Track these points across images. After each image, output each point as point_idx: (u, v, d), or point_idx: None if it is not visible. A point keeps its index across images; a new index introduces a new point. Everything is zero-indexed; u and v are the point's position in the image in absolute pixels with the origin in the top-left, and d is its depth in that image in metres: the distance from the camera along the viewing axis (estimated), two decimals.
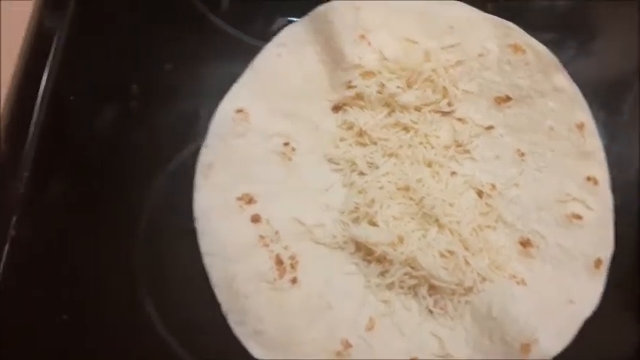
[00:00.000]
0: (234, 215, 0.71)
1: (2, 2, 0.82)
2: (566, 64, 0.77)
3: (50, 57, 0.81)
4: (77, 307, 0.70)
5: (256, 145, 0.74)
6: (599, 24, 0.88)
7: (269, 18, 0.85)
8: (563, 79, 0.76)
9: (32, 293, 0.71)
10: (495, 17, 0.78)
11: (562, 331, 0.67)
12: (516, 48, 0.76)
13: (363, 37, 0.77)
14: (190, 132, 0.78)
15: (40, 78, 0.80)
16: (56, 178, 0.76)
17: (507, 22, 0.78)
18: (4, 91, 0.78)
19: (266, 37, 0.82)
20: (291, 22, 0.83)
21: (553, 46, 0.78)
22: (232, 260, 0.69)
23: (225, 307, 0.67)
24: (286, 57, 0.78)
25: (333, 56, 0.78)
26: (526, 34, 0.77)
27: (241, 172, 0.73)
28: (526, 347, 0.65)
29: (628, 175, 0.78)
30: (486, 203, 0.75)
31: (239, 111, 0.75)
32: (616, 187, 0.75)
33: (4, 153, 0.76)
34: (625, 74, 0.84)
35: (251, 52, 0.81)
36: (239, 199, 0.72)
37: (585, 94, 0.77)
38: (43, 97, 0.79)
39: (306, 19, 0.79)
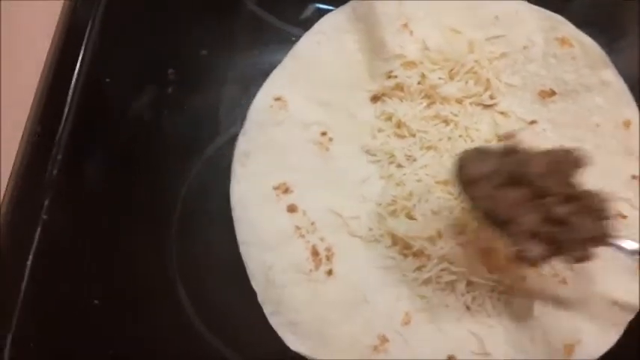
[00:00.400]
0: (270, 204, 0.70)
1: None
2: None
3: (85, 39, 0.80)
4: (108, 293, 0.70)
5: (294, 133, 0.73)
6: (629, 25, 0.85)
7: (302, 5, 0.84)
8: (610, 75, 0.74)
9: (63, 278, 0.70)
10: (543, 9, 0.76)
11: (606, 333, 0.66)
12: (564, 41, 0.74)
13: (405, 26, 0.75)
14: (226, 118, 0.77)
15: (76, 60, 0.79)
16: (90, 162, 0.75)
17: (556, 14, 0.76)
18: (39, 72, 0.78)
19: (300, 24, 0.81)
20: (320, 9, 0.82)
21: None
22: (269, 250, 0.68)
23: (261, 296, 0.66)
24: (326, 45, 0.77)
25: (373, 45, 0.76)
26: (574, 27, 0.75)
27: (278, 161, 0.72)
28: (569, 348, 0.64)
29: None
30: None
31: (278, 99, 0.73)
32: None
33: (38, 135, 0.75)
34: None
35: (286, 40, 0.80)
36: (276, 188, 0.71)
37: (632, 90, 0.75)
38: (77, 79, 0.78)
39: (346, 7, 0.78)
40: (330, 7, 0.81)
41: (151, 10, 0.83)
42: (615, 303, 0.67)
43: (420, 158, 0.74)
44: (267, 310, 0.66)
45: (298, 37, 0.79)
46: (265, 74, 0.77)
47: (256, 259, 0.67)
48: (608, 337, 0.65)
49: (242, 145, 0.72)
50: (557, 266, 0.70)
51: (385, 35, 0.75)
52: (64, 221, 0.72)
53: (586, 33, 0.76)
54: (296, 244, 0.69)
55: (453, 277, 0.69)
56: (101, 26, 0.81)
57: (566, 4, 0.83)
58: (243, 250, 0.68)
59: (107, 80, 0.79)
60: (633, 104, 0.74)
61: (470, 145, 0.74)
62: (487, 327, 0.68)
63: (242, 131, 0.72)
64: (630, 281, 0.68)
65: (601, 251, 0.69)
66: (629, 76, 0.76)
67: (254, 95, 0.75)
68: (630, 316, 0.67)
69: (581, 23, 0.77)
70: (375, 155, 0.75)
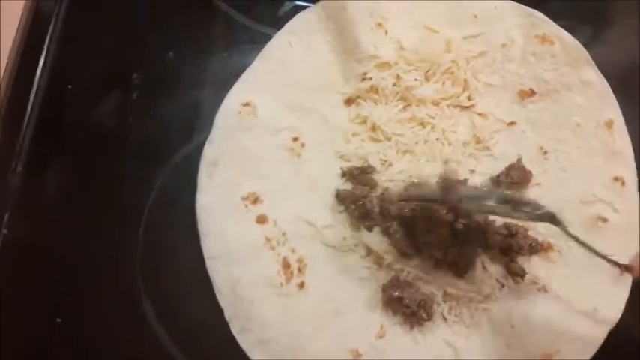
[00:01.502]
0: (238, 216, 0.67)
1: None
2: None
3: (46, 44, 0.77)
4: (72, 310, 0.67)
5: (264, 140, 0.70)
6: (612, 16, 0.82)
7: (276, 3, 0.80)
8: (592, 73, 0.71)
9: (25, 295, 0.68)
10: (522, 6, 0.73)
11: (586, 341, 0.64)
12: (544, 39, 0.71)
13: (380, 25, 0.73)
14: (195, 124, 0.74)
15: (36, 66, 0.76)
16: (51, 173, 0.73)
17: (535, 11, 0.73)
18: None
19: (274, 23, 0.77)
20: (298, 6, 0.78)
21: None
22: (236, 263, 0.65)
23: (228, 313, 0.64)
24: (297, 46, 0.74)
25: (347, 46, 0.73)
26: (554, 24, 0.72)
27: (247, 169, 0.69)
28: (547, 357, 0.62)
29: None
30: None
31: (246, 104, 0.70)
32: None
33: None
34: None
35: (258, 40, 0.77)
36: (244, 198, 0.68)
37: (614, 88, 0.72)
38: (39, 86, 0.75)
39: (318, 5, 0.75)
40: (308, 4, 0.77)
41: (115, 12, 0.79)
42: (595, 309, 0.65)
43: (396, 163, 0.71)
44: (234, 327, 0.63)
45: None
46: (236, 77, 0.73)
47: (223, 274, 0.65)
48: (588, 346, 0.64)
49: (208, 153, 0.69)
50: (537, 273, 0.68)
51: (359, 35, 0.72)
52: (25, 236, 0.69)
53: (568, 24, 0.74)
54: (266, 257, 0.66)
55: (429, 287, 0.67)
56: (62, 31, 0.77)
57: None
58: (209, 264, 0.65)
59: (69, 87, 0.75)
60: (615, 103, 0.72)
61: (447, 149, 0.72)
62: (463, 337, 0.66)
63: (208, 139, 0.69)
64: (611, 289, 0.66)
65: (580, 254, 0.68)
66: (612, 67, 0.74)
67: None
68: (611, 323, 0.65)
69: (563, 14, 0.75)
70: (349, 161, 0.72)
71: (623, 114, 0.72)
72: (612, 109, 0.71)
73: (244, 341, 0.63)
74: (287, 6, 0.80)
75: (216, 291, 0.65)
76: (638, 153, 0.72)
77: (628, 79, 0.76)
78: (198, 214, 0.67)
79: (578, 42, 0.71)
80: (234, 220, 0.67)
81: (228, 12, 0.80)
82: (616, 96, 0.72)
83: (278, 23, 0.76)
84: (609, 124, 0.70)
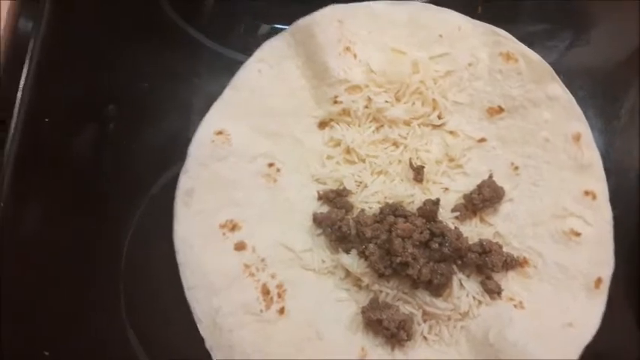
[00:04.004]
0: (217, 244, 0.68)
1: None
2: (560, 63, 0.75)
3: (23, 78, 0.77)
4: (59, 344, 0.68)
5: (239, 168, 0.71)
6: (593, 16, 0.83)
7: (251, 29, 0.81)
8: (557, 88, 0.72)
9: (13, 331, 0.68)
10: (486, 24, 0.74)
11: (562, 357, 0.64)
12: (508, 57, 0.73)
13: (348, 49, 0.74)
14: (173, 153, 0.74)
15: (14, 101, 0.76)
16: (32, 208, 0.73)
17: (498, 29, 0.74)
18: None
19: (248, 50, 0.78)
20: (275, 29, 0.79)
21: (547, 36, 0.78)
22: (215, 293, 0.66)
23: (209, 342, 0.65)
24: (267, 73, 0.75)
25: (317, 71, 0.74)
26: (517, 41, 0.73)
27: (224, 197, 0.70)
28: None
29: (628, 182, 0.75)
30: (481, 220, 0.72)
31: (219, 133, 0.71)
32: (616, 197, 0.72)
33: None
34: (622, 73, 0.80)
35: (233, 67, 0.77)
36: (222, 226, 0.69)
37: (582, 98, 0.74)
38: (17, 121, 0.75)
39: (286, 32, 0.76)
40: (283, 26, 0.77)
41: (89, 45, 0.80)
42: (571, 325, 0.66)
43: (370, 184, 0.72)
44: (215, 355, 0.64)
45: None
46: (212, 104, 0.74)
47: (203, 303, 0.65)
48: None
49: (184, 183, 0.69)
50: (513, 288, 0.69)
51: (328, 60, 0.73)
52: (7, 273, 0.69)
53: (549, 28, 0.77)
54: (245, 284, 0.67)
55: (409, 308, 0.68)
56: (38, 65, 0.78)
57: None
58: (189, 294, 0.66)
59: (46, 120, 0.76)
60: (582, 116, 0.73)
61: None
62: (444, 356, 0.67)
63: (183, 169, 0.70)
64: (587, 303, 0.67)
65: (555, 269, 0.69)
66: (598, 68, 0.77)
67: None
68: (587, 339, 0.65)
69: (543, 19, 0.78)
70: (324, 184, 0.73)
71: (591, 124, 0.74)
72: (579, 123, 0.72)
73: None
74: (264, 29, 0.81)
75: (196, 321, 0.65)
76: (607, 161, 0.73)
77: (609, 83, 0.78)
78: (176, 245, 0.68)
79: (541, 58, 0.72)
80: (212, 248, 0.68)
81: (202, 41, 0.81)
82: (583, 105, 0.73)
83: (251, 49, 0.77)
84: (577, 138, 0.72)
